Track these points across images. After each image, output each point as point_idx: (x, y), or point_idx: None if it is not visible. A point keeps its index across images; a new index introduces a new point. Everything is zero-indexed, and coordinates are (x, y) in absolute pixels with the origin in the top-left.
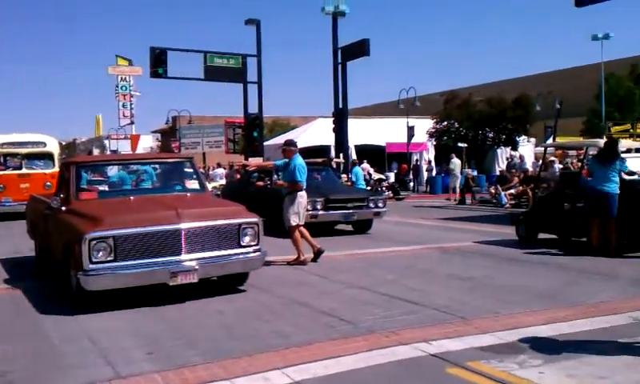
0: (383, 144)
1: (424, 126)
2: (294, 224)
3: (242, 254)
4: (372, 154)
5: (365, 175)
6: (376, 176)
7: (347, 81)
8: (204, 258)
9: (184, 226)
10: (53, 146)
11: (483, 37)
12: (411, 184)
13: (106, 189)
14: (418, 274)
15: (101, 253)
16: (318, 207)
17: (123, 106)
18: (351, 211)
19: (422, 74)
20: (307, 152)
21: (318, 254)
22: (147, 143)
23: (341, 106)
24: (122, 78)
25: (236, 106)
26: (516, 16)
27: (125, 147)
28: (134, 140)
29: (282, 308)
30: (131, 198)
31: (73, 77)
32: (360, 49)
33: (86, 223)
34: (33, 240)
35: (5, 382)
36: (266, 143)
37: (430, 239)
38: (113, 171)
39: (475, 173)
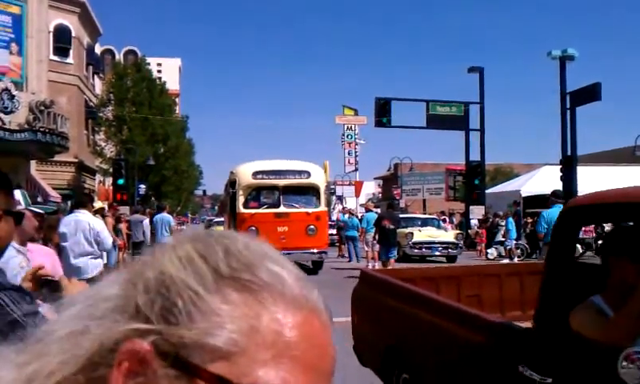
0: None
1: None
2: None
3: None
4: None
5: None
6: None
7: (576, 126)
8: None
9: None
10: (318, 177)
11: None
12: None
13: None
14: None
15: None
16: None
17: (349, 153)
18: None
19: None
20: (529, 201)
21: None
22: (369, 189)
23: (569, 152)
24: (347, 127)
25: (457, 152)
26: None
27: (349, 193)
28: (358, 186)
29: None
30: None
31: (303, 125)
32: (591, 93)
33: None
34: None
35: None
36: (487, 191)
37: None
38: None
39: None
